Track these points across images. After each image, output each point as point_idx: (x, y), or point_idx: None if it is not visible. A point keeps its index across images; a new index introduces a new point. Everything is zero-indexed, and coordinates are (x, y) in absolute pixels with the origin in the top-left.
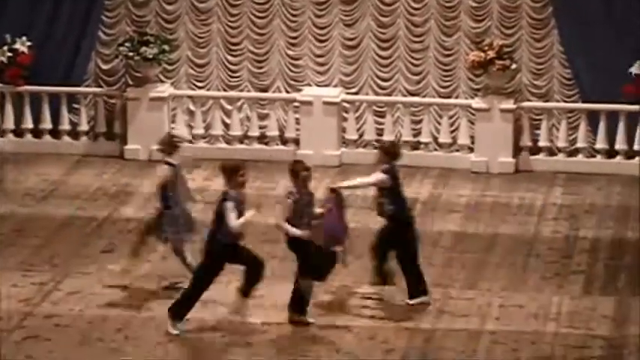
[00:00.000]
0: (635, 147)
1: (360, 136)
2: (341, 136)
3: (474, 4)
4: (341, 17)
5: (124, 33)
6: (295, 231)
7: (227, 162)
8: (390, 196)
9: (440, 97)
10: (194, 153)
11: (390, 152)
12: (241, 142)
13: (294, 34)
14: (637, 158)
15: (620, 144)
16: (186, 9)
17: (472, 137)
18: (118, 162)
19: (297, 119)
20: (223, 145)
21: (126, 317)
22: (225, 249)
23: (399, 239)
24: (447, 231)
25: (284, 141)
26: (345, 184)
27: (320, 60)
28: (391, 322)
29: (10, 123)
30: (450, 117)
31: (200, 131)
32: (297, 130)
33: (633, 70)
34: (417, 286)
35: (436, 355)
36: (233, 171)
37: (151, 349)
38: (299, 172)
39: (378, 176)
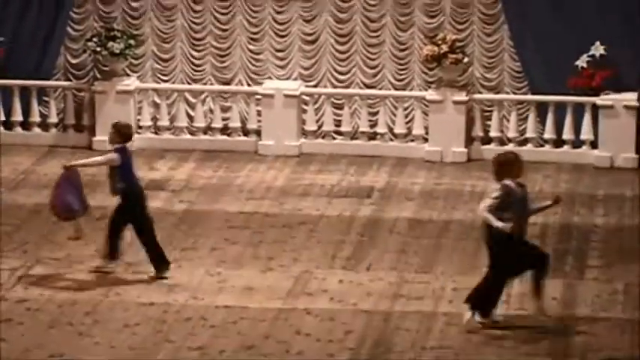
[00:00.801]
0: (582, 137)
1: (320, 127)
2: (301, 128)
3: (428, 1)
4: (300, 13)
5: (91, 28)
6: (498, 223)
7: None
8: (121, 174)
9: (395, 89)
10: (160, 144)
11: (122, 133)
12: (205, 134)
13: (255, 30)
14: (583, 147)
15: (567, 134)
16: (151, 5)
17: (426, 128)
18: (87, 153)
19: (258, 111)
20: (187, 137)
21: (94, 301)
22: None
23: (131, 215)
24: (402, 217)
25: (246, 132)
26: (80, 162)
27: (280, 54)
28: (349, 305)
29: None
30: (405, 109)
31: (165, 123)
32: (259, 121)
33: (579, 63)
34: (159, 260)
35: (393, 335)
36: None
37: (118, 332)
38: (513, 164)
39: (109, 156)
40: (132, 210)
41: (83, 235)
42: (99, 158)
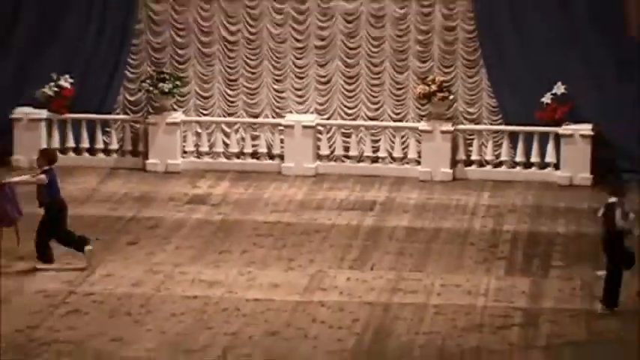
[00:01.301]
0: (547, 160)
1: (332, 152)
2: (316, 153)
3: (420, 49)
4: (315, 59)
5: (145, 72)
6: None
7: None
8: (47, 191)
9: (393, 121)
10: (201, 166)
11: (49, 158)
12: (237, 158)
13: (278, 73)
14: (548, 168)
15: (534, 158)
16: (194, 53)
17: (419, 153)
18: (141, 173)
19: (281, 139)
20: (223, 160)
21: (147, 295)
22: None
23: (53, 223)
24: (399, 226)
25: (271, 156)
26: (14, 180)
27: (299, 93)
28: (355, 298)
29: (56, 143)
30: (402, 137)
31: (205, 149)
32: (282, 147)
33: (544, 99)
34: (80, 243)
35: (391, 324)
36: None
37: (166, 320)
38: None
39: (39, 176)
40: (54, 219)
41: (19, 239)
42: (30, 178)
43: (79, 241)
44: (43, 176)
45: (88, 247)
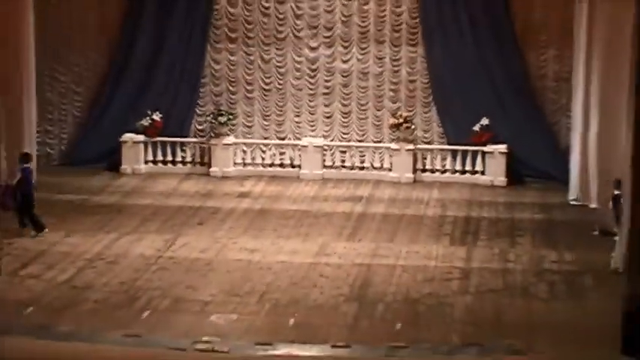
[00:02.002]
0: (476, 168)
1: (333, 163)
2: (323, 163)
3: (391, 94)
4: (322, 101)
5: (209, 110)
6: None
7: None
8: (25, 183)
9: (374, 142)
10: (245, 172)
11: (26, 159)
12: (270, 167)
13: (297, 110)
14: (477, 174)
15: (468, 167)
16: (242, 97)
17: (391, 164)
18: (206, 177)
19: (299, 155)
20: (260, 168)
21: (210, 259)
22: None
23: (27, 205)
24: (378, 212)
25: (292, 166)
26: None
27: (311, 123)
28: (348, 261)
29: (150, 156)
30: (380, 153)
31: (249, 161)
32: (299, 160)
33: (475, 128)
34: (38, 226)
35: (372, 278)
36: None
37: (222, 275)
38: None
39: (18, 174)
40: (28, 203)
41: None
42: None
43: (40, 224)
44: (19, 173)
45: (45, 230)
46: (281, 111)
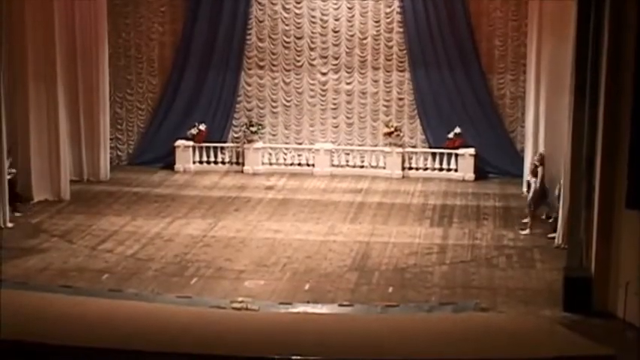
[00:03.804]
0: (451, 167)
1: (339, 163)
2: (331, 163)
3: (384, 109)
4: (331, 115)
5: (243, 121)
6: None
7: None
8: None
9: (371, 146)
10: (271, 170)
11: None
12: (290, 166)
13: (312, 122)
14: (451, 171)
15: (444, 165)
16: (268, 111)
17: (385, 163)
18: (240, 174)
19: (314, 156)
20: (283, 167)
21: (243, 237)
22: None
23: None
24: (374, 201)
25: (308, 165)
26: None
27: (323, 133)
28: (351, 238)
29: (197, 158)
30: (376, 155)
31: (274, 161)
32: (313, 160)
33: (450, 136)
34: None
35: (370, 252)
36: None
37: (252, 250)
38: None
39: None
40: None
41: None
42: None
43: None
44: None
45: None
46: (299, 122)
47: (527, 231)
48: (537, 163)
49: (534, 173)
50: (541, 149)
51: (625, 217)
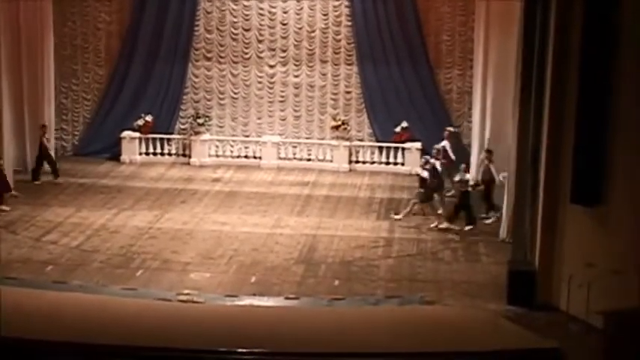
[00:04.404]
0: (398, 160)
1: (286, 156)
2: (278, 156)
3: (332, 102)
4: (279, 107)
5: (190, 113)
6: None
7: None
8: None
9: (318, 139)
10: (218, 162)
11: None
12: (237, 158)
13: (259, 114)
14: (398, 165)
15: (391, 159)
16: (216, 104)
17: (332, 156)
18: (187, 166)
19: (260, 149)
20: (230, 159)
21: (189, 229)
22: None
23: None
24: (321, 194)
25: (255, 157)
26: None
27: (270, 125)
28: (298, 231)
29: (143, 149)
30: (323, 148)
31: (220, 153)
32: (260, 152)
33: (396, 130)
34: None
35: (317, 245)
36: None
37: (200, 242)
38: None
39: None
40: None
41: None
42: None
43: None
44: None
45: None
46: (246, 115)
47: (399, 216)
48: (486, 160)
49: (424, 166)
50: (487, 145)
51: (569, 211)
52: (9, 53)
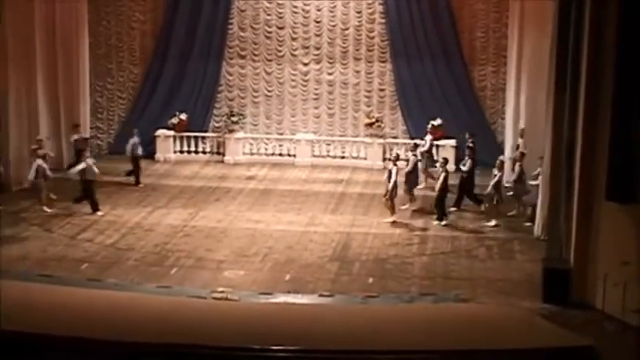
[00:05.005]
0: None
1: (320, 153)
2: (312, 153)
3: (365, 99)
4: (313, 105)
5: (224, 111)
6: None
7: None
8: None
9: (353, 137)
10: (252, 160)
11: None
12: (271, 156)
13: (293, 112)
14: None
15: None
16: (249, 101)
17: (366, 154)
18: (221, 164)
19: (295, 147)
20: (265, 157)
21: (223, 227)
22: None
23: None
24: (355, 192)
25: (289, 155)
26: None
27: (304, 123)
28: (332, 229)
29: (177, 147)
30: (357, 146)
31: (255, 151)
32: (294, 150)
33: (429, 126)
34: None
35: (351, 243)
36: None
37: (234, 240)
38: None
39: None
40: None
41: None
42: None
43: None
44: None
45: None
46: (280, 112)
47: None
48: (518, 160)
49: (395, 162)
50: (521, 147)
51: (605, 208)
52: (45, 53)
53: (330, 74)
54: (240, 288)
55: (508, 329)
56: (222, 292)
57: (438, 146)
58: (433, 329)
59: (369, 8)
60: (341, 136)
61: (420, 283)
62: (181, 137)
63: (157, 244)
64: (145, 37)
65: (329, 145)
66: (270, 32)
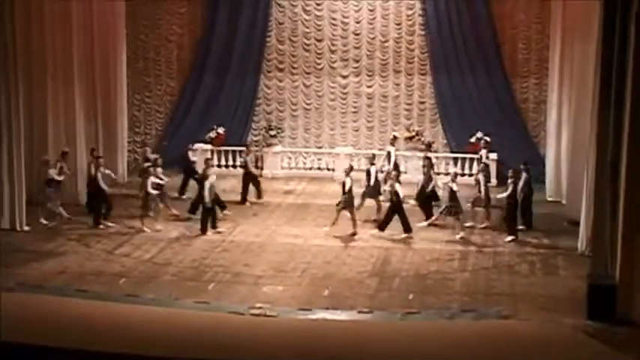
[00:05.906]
0: (473, 171)
1: (360, 166)
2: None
3: (405, 113)
4: (352, 119)
5: (262, 125)
6: None
7: None
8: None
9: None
10: (290, 174)
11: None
12: (310, 170)
13: (332, 126)
14: (472, 177)
15: (467, 170)
16: (287, 114)
17: (406, 167)
18: (259, 178)
19: (333, 160)
20: (303, 171)
21: (261, 242)
22: None
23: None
24: None
25: (328, 169)
26: None
27: (343, 136)
28: (371, 244)
29: (215, 161)
30: (397, 159)
31: (293, 165)
32: (333, 164)
33: (472, 140)
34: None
35: (390, 258)
36: None
37: (272, 255)
38: None
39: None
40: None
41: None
42: None
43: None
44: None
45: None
46: (319, 126)
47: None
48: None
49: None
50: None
51: None
52: (82, 66)
53: (369, 87)
54: (279, 304)
55: (551, 347)
56: (260, 307)
57: (479, 159)
58: (474, 346)
59: (409, 20)
60: (380, 149)
61: (460, 299)
62: (219, 151)
63: (195, 259)
64: (182, 51)
65: (368, 158)
66: (308, 45)
